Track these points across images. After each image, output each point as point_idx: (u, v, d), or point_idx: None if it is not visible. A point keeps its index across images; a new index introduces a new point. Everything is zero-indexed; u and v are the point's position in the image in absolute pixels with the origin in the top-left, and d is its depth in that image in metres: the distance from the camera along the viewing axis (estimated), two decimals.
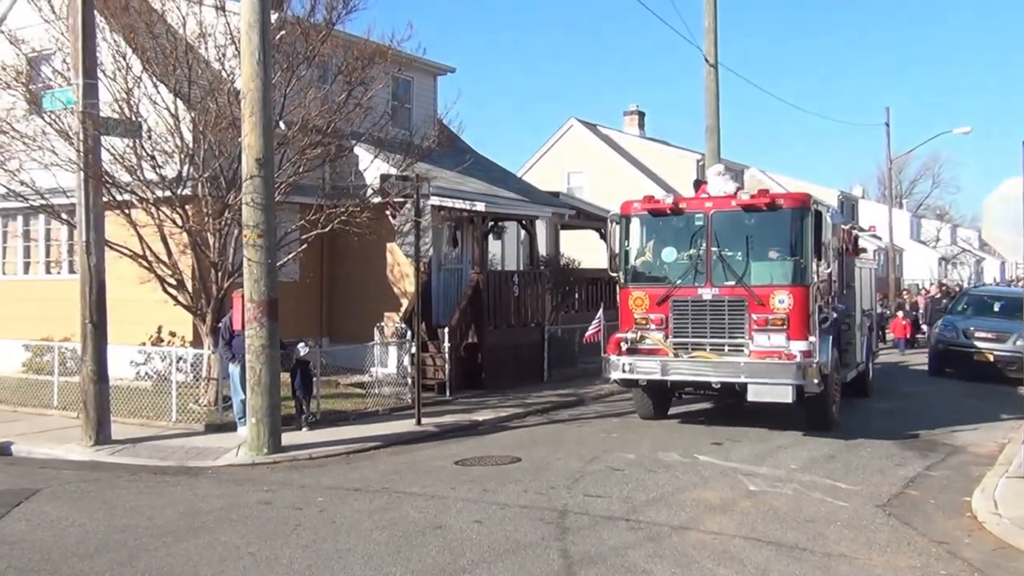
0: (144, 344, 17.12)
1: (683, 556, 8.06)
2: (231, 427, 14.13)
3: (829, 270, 14.45)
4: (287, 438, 13.06)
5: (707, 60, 20.93)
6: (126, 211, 15.31)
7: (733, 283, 13.84)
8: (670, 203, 14.62)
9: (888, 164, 45.89)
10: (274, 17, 14.39)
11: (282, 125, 15.38)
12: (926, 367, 23.74)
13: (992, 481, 10.41)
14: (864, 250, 21.84)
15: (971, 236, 78.39)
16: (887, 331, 30.23)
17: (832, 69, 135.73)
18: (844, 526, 9.01)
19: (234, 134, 14.10)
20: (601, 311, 19.86)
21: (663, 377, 13.95)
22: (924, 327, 30.22)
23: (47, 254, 20.87)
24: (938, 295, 31.08)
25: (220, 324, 14.68)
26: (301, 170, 15.91)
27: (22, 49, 16.06)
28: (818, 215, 13.74)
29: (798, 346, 13.34)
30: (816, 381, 13.08)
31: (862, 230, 22.97)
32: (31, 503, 10.13)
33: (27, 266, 21.27)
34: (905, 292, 35.91)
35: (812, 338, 13.43)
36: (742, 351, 13.66)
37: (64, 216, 15.88)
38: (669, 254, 14.59)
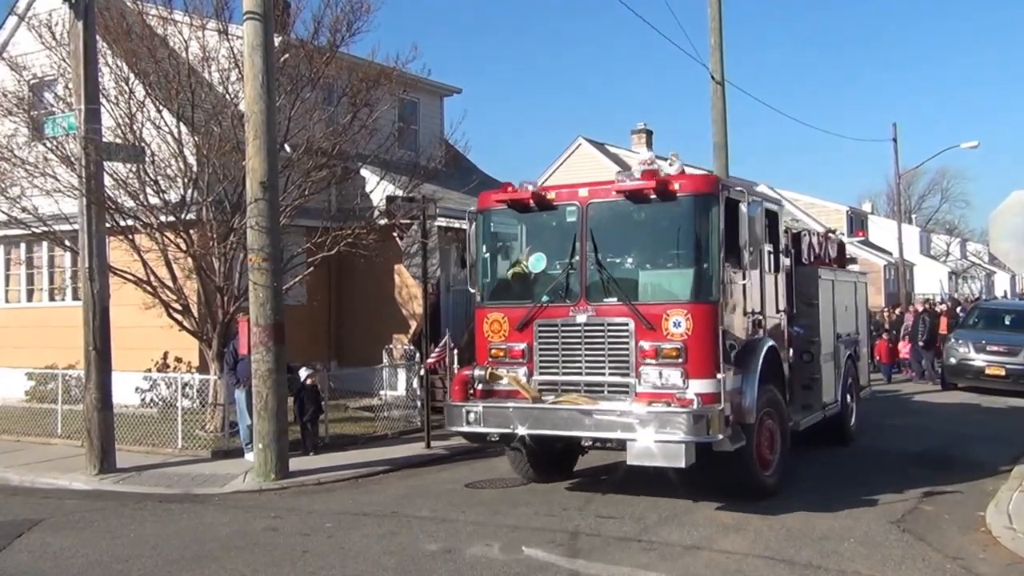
0: (149, 370, 17.09)
1: None
2: (238, 453, 14.00)
3: (745, 281, 10.65)
4: (295, 463, 12.93)
5: (713, 78, 20.86)
6: (130, 236, 15.29)
7: (615, 300, 10.37)
8: (532, 192, 11.10)
9: (896, 179, 45.82)
10: (277, 40, 14.35)
11: (287, 148, 15.35)
12: (924, 394, 23.20)
13: (1006, 496, 10.27)
14: (853, 259, 20.88)
15: (981, 250, 78.13)
16: (874, 355, 25.30)
17: (840, 86, 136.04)
18: (858, 542, 8.87)
19: (238, 157, 14.06)
20: (448, 334, 13.77)
21: (515, 431, 10.29)
22: (905, 346, 27.48)
23: (50, 281, 20.86)
24: (922, 311, 28.62)
25: (226, 349, 14.58)
26: (306, 193, 15.88)
27: (24, 76, 16.13)
28: (730, 204, 10.42)
29: (699, 386, 9.81)
30: (723, 436, 9.63)
31: (831, 231, 17.62)
32: (33, 534, 10.00)
33: (30, 293, 21.27)
34: (886, 310, 34.31)
35: (720, 375, 9.79)
36: (627, 394, 10.22)
37: (67, 242, 15.89)
38: (537, 262, 11.07)
